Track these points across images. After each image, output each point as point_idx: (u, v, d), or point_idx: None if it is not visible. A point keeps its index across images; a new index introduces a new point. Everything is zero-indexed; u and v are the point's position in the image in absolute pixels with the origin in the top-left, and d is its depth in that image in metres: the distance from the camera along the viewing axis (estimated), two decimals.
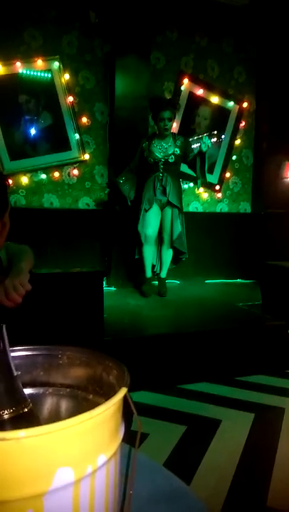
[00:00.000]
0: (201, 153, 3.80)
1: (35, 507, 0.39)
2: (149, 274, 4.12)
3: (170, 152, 3.90)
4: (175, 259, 4.19)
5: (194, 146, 4.98)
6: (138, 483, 0.66)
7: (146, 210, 3.95)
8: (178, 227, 3.96)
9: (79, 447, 0.41)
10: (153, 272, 4.23)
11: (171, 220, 3.98)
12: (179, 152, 3.92)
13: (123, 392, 0.46)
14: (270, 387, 2.86)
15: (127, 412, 0.54)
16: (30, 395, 0.60)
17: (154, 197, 3.94)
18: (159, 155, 3.90)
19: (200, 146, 3.75)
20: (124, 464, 0.67)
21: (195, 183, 4.57)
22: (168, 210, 3.97)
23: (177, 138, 4.00)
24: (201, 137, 4.10)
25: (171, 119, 3.87)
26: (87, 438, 0.42)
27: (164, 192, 3.93)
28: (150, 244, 4.03)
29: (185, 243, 4.07)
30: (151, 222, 3.96)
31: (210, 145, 3.75)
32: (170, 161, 3.90)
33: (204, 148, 3.73)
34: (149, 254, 4.05)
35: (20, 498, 0.38)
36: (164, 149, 3.91)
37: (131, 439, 0.64)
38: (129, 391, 0.49)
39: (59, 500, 0.40)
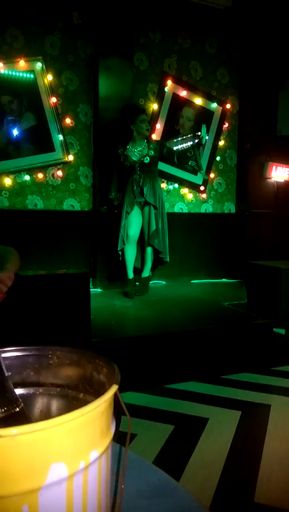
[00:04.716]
0: (200, 145, 4.17)
1: (31, 502, 0.40)
2: (130, 275, 4.16)
3: (144, 154, 4.05)
4: (156, 260, 4.24)
5: (178, 146, 5.02)
6: (129, 480, 0.66)
7: (128, 213, 4.08)
8: (153, 225, 4.06)
9: (72, 443, 0.42)
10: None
11: (148, 218, 4.09)
12: (153, 153, 4.07)
13: (114, 389, 0.47)
14: (256, 385, 2.90)
15: (115, 411, 0.55)
16: (21, 395, 0.61)
17: (134, 199, 4.07)
18: (134, 158, 4.06)
19: (200, 139, 4.11)
20: (115, 463, 0.68)
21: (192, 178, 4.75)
22: (146, 210, 4.10)
23: (151, 141, 4.17)
24: (199, 134, 4.26)
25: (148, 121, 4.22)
26: (80, 434, 0.43)
27: (142, 193, 4.05)
28: (132, 245, 4.11)
29: (163, 243, 4.11)
30: (132, 223, 4.08)
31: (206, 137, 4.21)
32: (145, 162, 4.04)
33: (204, 141, 4.15)
34: (130, 255, 4.12)
35: (16, 494, 0.39)
36: (139, 152, 4.06)
37: (120, 439, 0.65)
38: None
39: (53, 495, 0.41)
